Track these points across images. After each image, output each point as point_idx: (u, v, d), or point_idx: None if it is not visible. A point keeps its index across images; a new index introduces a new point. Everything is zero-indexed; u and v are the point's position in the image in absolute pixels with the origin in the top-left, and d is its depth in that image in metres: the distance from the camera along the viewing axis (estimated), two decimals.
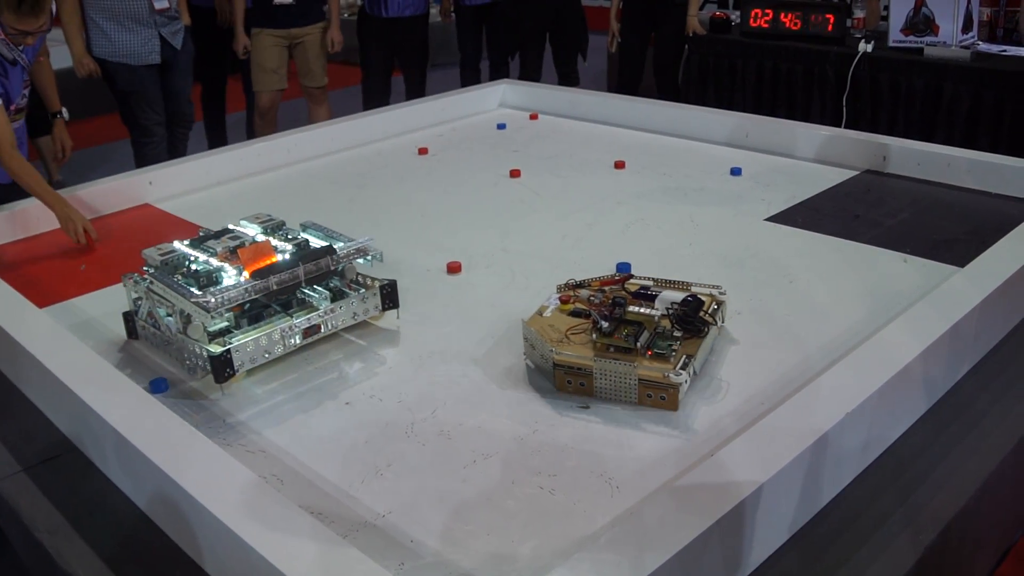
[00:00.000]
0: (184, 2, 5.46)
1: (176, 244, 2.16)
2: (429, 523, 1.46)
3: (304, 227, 2.29)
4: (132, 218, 2.97)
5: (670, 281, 2.04)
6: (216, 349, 1.83)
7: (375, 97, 6.29)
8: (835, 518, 1.50)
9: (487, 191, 3.04)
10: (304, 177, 3.29)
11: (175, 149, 5.40)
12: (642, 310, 1.89)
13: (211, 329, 1.88)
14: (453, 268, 2.42)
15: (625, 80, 6.48)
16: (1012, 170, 2.81)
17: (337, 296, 2.07)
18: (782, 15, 5.89)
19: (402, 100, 5.21)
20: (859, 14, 5.94)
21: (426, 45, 6.50)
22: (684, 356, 1.79)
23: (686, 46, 6.29)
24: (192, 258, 2.11)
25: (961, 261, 2.22)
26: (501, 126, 3.80)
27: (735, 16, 6.37)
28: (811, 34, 5.77)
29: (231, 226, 2.29)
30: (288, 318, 1.97)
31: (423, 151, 3.49)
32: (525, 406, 1.77)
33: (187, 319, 1.89)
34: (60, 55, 6.23)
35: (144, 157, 5.22)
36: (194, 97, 5.65)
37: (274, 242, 2.12)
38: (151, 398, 1.68)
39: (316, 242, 2.17)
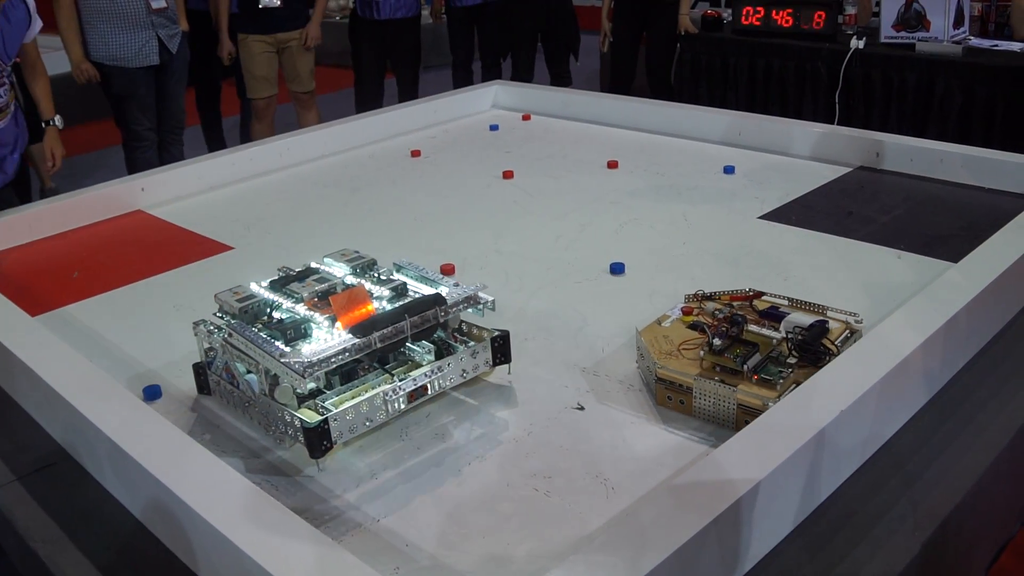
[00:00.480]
0: (183, 8, 5.46)
1: (254, 287, 1.89)
2: (424, 526, 1.45)
3: (397, 267, 1.99)
4: (124, 225, 2.96)
5: (805, 303, 1.91)
6: (311, 418, 1.57)
7: (368, 99, 6.29)
8: (833, 514, 1.50)
9: (480, 193, 3.04)
10: (297, 181, 3.28)
11: (168, 154, 5.40)
12: (762, 331, 1.76)
13: (300, 391, 1.66)
14: (447, 270, 2.41)
15: (617, 80, 6.49)
16: (1005, 165, 2.81)
17: (442, 350, 1.81)
18: (774, 12, 5.90)
19: (394, 102, 5.21)
20: (850, 11, 5.96)
21: (418, 47, 6.50)
22: (793, 384, 1.66)
23: (678, 45, 6.30)
24: (274, 304, 1.83)
25: (955, 256, 2.21)
26: (494, 127, 3.80)
27: (727, 14, 6.37)
28: (803, 31, 5.78)
29: (314, 264, 2.00)
30: (388, 376, 1.74)
31: (416, 153, 3.48)
32: (520, 408, 1.77)
33: (274, 379, 1.65)
34: (58, 60, 6.24)
35: (135, 161, 5.23)
36: (190, 100, 5.65)
37: (367, 285, 1.86)
38: (145, 406, 1.67)
39: (414, 285, 1.89)
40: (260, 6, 5.68)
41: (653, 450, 1.62)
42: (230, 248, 2.67)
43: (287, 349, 1.64)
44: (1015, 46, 5.20)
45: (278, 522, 1.32)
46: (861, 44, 5.44)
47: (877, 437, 1.65)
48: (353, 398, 1.65)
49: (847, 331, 1.83)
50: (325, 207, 2.99)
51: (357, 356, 1.66)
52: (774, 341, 1.75)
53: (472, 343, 1.80)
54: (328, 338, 1.68)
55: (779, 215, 2.68)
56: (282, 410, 1.62)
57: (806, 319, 1.82)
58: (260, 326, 1.75)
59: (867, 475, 1.59)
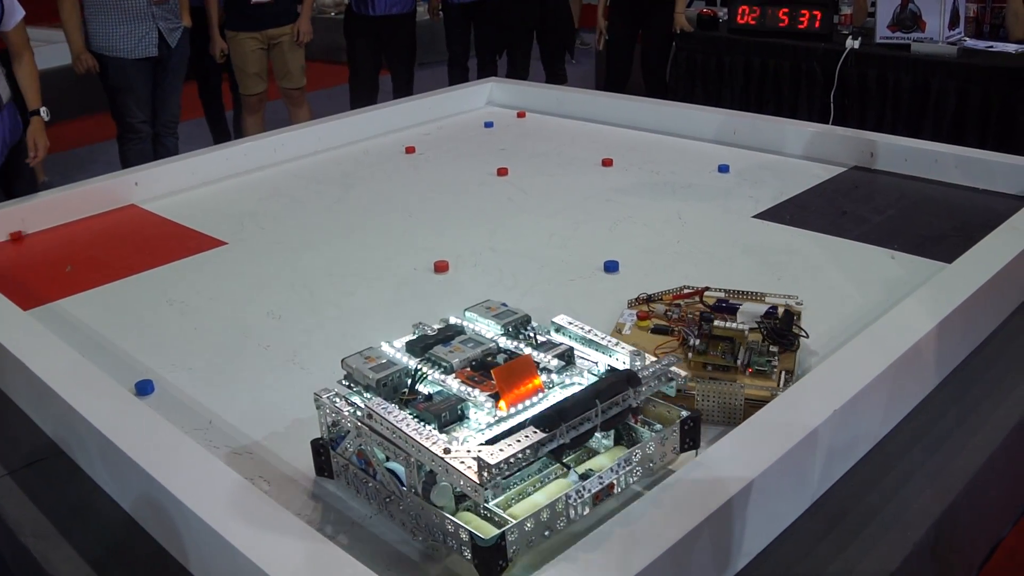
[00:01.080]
0: (186, 4, 5.46)
1: (388, 349, 1.57)
2: None
3: (557, 327, 1.66)
4: (118, 219, 2.96)
5: (743, 292, 1.96)
6: (486, 532, 1.27)
7: (362, 96, 6.28)
8: (826, 513, 1.50)
9: (474, 190, 3.04)
10: (291, 177, 3.28)
11: (163, 148, 5.39)
12: (729, 324, 1.77)
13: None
14: (440, 267, 2.41)
15: (613, 78, 6.48)
16: (999, 166, 2.81)
17: (622, 433, 1.52)
18: (769, 12, 5.89)
19: (389, 99, 5.20)
20: (846, 10, 5.96)
21: (413, 43, 6.49)
22: (783, 372, 1.71)
23: (674, 43, 6.29)
24: (418, 374, 1.49)
25: (949, 257, 2.22)
26: (488, 124, 3.79)
27: (723, 13, 6.37)
28: (799, 31, 5.78)
29: (455, 320, 1.66)
30: (564, 471, 1.42)
31: (410, 150, 3.48)
32: None
33: (430, 476, 1.34)
34: (55, 53, 6.24)
35: (128, 154, 5.23)
36: (190, 94, 5.64)
37: (526, 350, 1.55)
38: (137, 400, 1.67)
39: (581, 350, 1.57)
40: (252, 2, 5.67)
41: None
42: (224, 243, 2.67)
43: (443, 436, 1.33)
44: (1010, 47, 5.21)
45: (270, 518, 1.32)
46: (856, 44, 5.44)
47: (870, 437, 1.66)
48: (521, 496, 1.35)
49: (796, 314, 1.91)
50: (319, 203, 2.99)
51: (542, 457, 1.34)
52: (745, 333, 1.77)
53: (659, 426, 1.49)
54: (489, 420, 1.38)
55: (773, 214, 2.68)
56: (441, 516, 1.31)
57: (758, 308, 1.86)
58: (400, 402, 1.44)
59: (860, 475, 1.59)
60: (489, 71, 6.63)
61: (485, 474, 1.24)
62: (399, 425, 1.35)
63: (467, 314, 1.67)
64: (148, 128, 5.29)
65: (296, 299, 2.29)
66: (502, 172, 3.15)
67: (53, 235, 2.84)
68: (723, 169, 3.07)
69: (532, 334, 1.61)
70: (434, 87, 4.26)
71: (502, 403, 1.38)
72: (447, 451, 1.29)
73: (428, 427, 1.35)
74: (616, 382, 1.42)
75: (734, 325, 1.78)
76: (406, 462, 1.35)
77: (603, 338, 1.58)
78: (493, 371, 1.40)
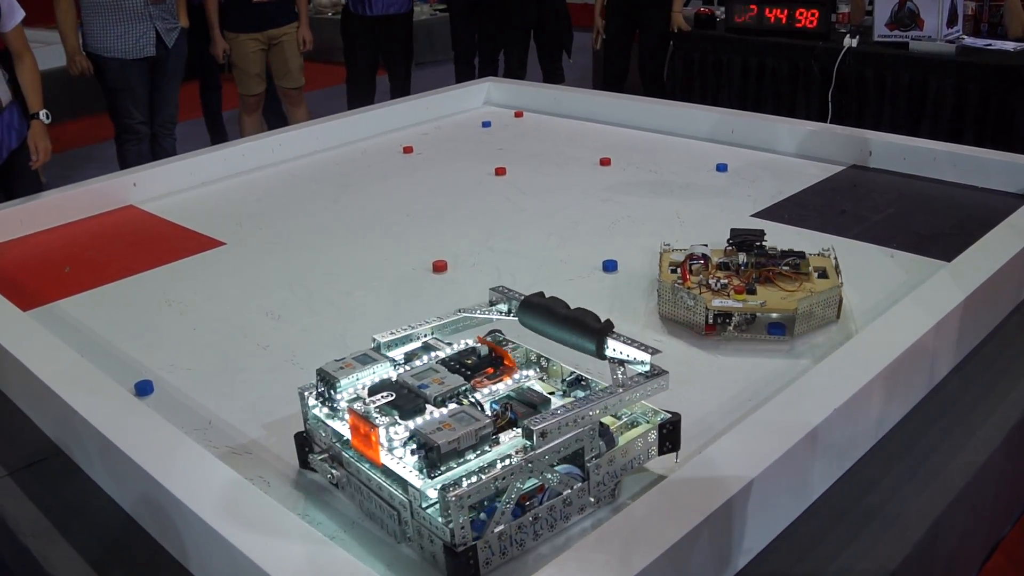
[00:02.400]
0: (183, 4, 5.46)
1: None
2: None
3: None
4: (116, 220, 2.96)
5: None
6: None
7: (360, 96, 6.28)
8: (825, 513, 1.50)
9: (472, 189, 3.04)
10: (289, 177, 3.28)
11: (160, 148, 5.40)
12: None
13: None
14: (439, 267, 2.41)
15: (610, 77, 6.48)
16: (997, 164, 2.81)
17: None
18: (767, 11, 5.90)
19: (386, 99, 5.20)
20: (844, 9, 5.96)
21: (411, 43, 6.50)
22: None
23: (671, 42, 6.29)
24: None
25: (947, 256, 2.22)
26: (486, 124, 3.79)
27: (720, 12, 6.37)
28: (796, 29, 5.78)
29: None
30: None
31: (408, 150, 3.48)
32: None
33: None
34: (51, 54, 6.24)
35: (125, 154, 5.24)
36: (189, 94, 5.65)
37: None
38: (136, 400, 1.67)
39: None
40: (253, 1, 5.67)
41: None
42: (222, 243, 2.67)
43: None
44: (1008, 45, 5.21)
45: (269, 518, 1.32)
46: (854, 42, 5.44)
47: (869, 436, 1.66)
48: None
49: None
50: (317, 203, 2.99)
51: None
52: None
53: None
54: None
55: (771, 213, 2.68)
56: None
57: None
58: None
59: (859, 474, 1.59)
60: (491, 69, 6.63)
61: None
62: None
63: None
64: (146, 128, 5.30)
65: (294, 299, 2.29)
66: (500, 172, 3.15)
67: (52, 236, 2.84)
68: (721, 168, 3.07)
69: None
70: (431, 87, 4.26)
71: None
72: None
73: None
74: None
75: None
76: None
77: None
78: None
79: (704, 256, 2.13)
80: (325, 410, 1.53)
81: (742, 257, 2.12)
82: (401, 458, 1.37)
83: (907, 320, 1.80)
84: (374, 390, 1.49)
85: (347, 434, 1.45)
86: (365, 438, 1.39)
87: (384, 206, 2.92)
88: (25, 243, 2.80)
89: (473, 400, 1.46)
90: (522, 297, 1.68)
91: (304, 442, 1.57)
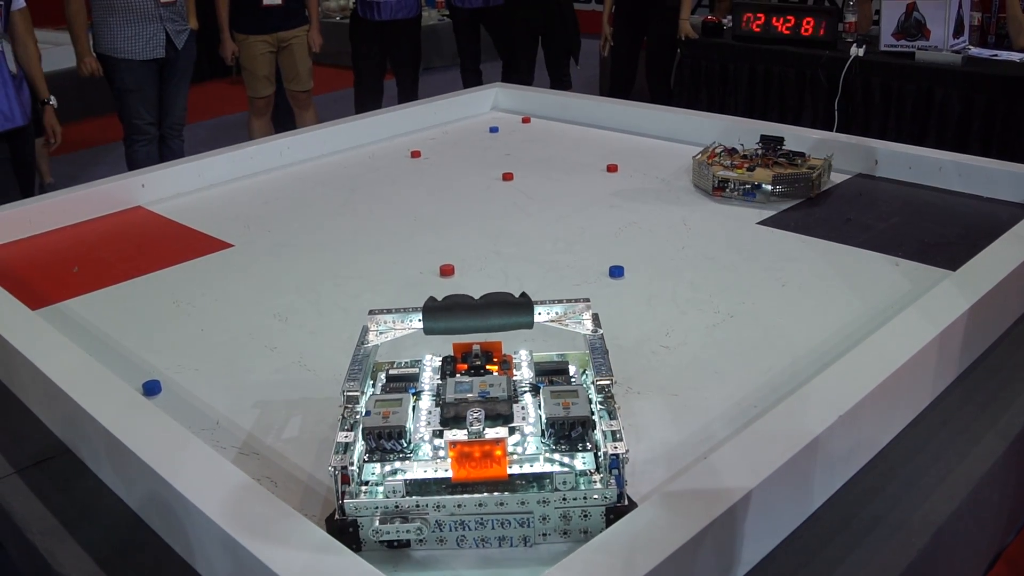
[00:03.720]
0: (193, 7, 5.49)
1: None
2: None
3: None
4: (124, 221, 2.97)
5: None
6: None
7: (367, 100, 6.31)
8: (827, 522, 1.51)
9: (480, 194, 3.05)
10: (296, 180, 3.29)
11: (169, 150, 5.43)
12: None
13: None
14: (446, 271, 2.42)
15: (617, 84, 6.50)
16: (1003, 174, 2.82)
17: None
18: (774, 19, 5.91)
19: (394, 103, 5.22)
20: (851, 18, 5.98)
21: (418, 48, 6.53)
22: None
23: (678, 50, 6.31)
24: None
25: (953, 265, 2.23)
26: (494, 130, 3.80)
27: (727, 20, 6.39)
28: (803, 38, 5.79)
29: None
30: None
31: (416, 154, 3.49)
32: None
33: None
34: (60, 56, 6.27)
35: (134, 155, 5.26)
36: (199, 96, 5.68)
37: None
38: (144, 400, 1.68)
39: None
40: (263, 4, 5.69)
41: (651, 452, 1.63)
42: (230, 245, 2.68)
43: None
44: (1015, 56, 5.22)
45: (277, 518, 1.32)
46: (861, 52, 5.46)
47: (872, 444, 1.66)
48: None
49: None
50: (325, 206, 3.00)
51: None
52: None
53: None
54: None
55: (777, 221, 2.69)
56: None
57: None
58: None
59: (862, 482, 1.60)
60: (511, 70, 6.62)
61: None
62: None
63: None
64: (155, 130, 5.32)
65: (302, 301, 2.30)
66: (507, 177, 3.16)
67: (60, 236, 2.85)
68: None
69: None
70: (438, 92, 4.27)
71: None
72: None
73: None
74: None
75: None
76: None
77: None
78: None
79: (732, 149, 3.04)
80: (388, 467, 1.40)
81: (756, 149, 3.02)
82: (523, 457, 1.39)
83: (911, 329, 1.80)
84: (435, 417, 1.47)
85: (436, 473, 1.38)
86: (484, 458, 1.36)
87: (391, 210, 2.93)
88: (34, 243, 2.82)
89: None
90: (420, 307, 1.63)
91: (342, 526, 1.38)
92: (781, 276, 2.33)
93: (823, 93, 5.64)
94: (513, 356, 1.64)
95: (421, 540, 1.39)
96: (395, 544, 1.40)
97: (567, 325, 1.64)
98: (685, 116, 3.64)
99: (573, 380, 1.58)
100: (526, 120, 3.93)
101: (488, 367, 1.59)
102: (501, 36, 6.81)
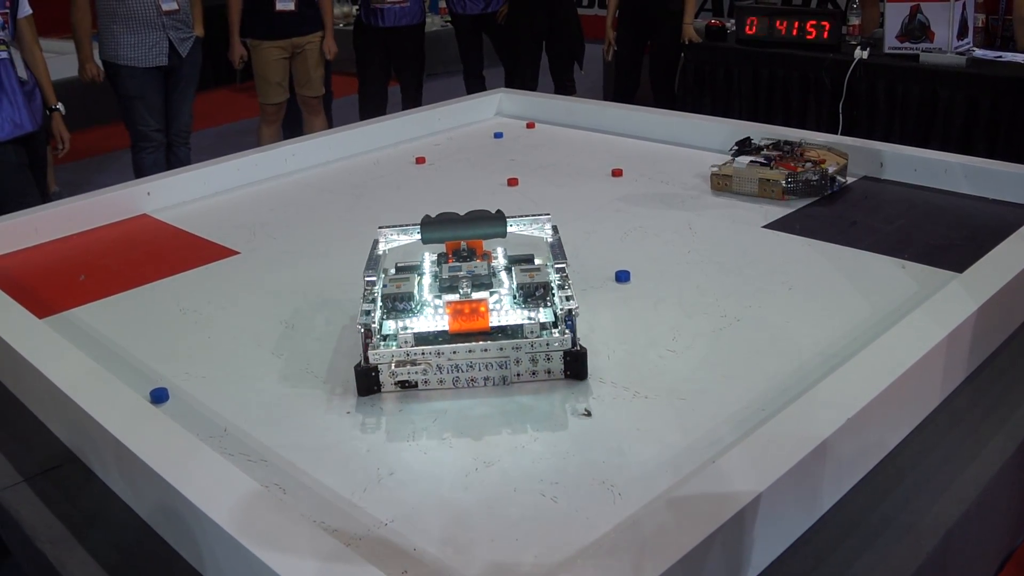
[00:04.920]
0: (200, 14, 5.50)
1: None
2: (432, 531, 1.46)
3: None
4: (130, 229, 2.97)
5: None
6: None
7: (372, 106, 6.32)
8: (836, 525, 1.50)
9: (485, 200, 3.03)
10: (302, 187, 3.29)
11: (175, 157, 5.44)
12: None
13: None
14: None
15: (621, 89, 6.50)
16: (1008, 176, 2.82)
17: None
18: (777, 23, 5.91)
19: (398, 109, 5.22)
20: (854, 21, 5.97)
21: (422, 54, 6.53)
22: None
23: (682, 54, 6.31)
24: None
25: (959, 267, 2.22)
26: (498, 135, 3.81)
27: (730, 24, 6.38)
28: (807, 41, 5.79)
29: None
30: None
31: (420, 160, 3.49)
32: (526, 414, 1.78)
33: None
34: (64, 64, 6.29)
35: (141, 162, 5.27)
36: (204, 103, 5.70)
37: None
38: (152, 408, 1.68)
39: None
40: (276, 9, 5.70)
41: (659, 456, 1.63)
42: (236, 253, 2.68)
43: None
44: (1019, 58, 5.22)
45: (286, 524, 1.32)
46: (865, 54, 5.45)
47: (879, 448, 1.66)
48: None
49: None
50: (330, 212, 3.00)
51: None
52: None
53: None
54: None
55: (783, 224, 2.69)
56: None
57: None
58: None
59: (870, 485, 1.60)
60: (515, 77, 6.62)
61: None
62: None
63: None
64: (162, 136, 5.33)
65: (308, 308, 2.30)
66: (512, 182, 3.17)
67: (66, 244, 2.86)
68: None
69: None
70: (442, 98, 4.28)
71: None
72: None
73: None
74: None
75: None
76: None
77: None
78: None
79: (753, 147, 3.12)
80: (401, 321, 1.85)
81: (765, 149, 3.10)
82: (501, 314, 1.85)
83: (919, 331, 1.80)
84: (436, 288, 1.93)
85: (436, 327, 1.84)
86: (472, 314, 1.83)
87: (397, 216, 2.91)
88: (41, 251, 2.82)
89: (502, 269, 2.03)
90: (419, 222, 2.09)
91: (366, 371, 1.84)
92: (787, 279, 2.33)
93: (827, 96, 5.64)
94: (492, 252, 2.08)
95: (426, 381, 1.85)
96: (406, 384, 1.86)
97: (532, 232, 2.13)
98: (689, 120, 3.65)
99: (537, 263, 2.03)
100: (531, 125, 3.93)
101: (473, 258, 2.01)
102: (502, 42, 6.82)
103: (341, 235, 2.79)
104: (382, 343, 1.85)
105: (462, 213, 2.08)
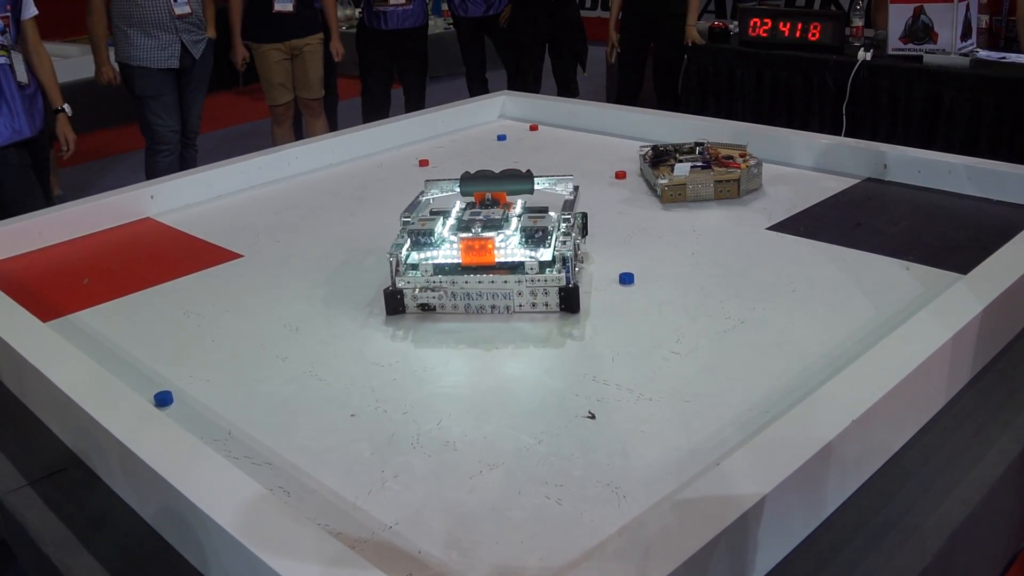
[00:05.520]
0: (212, 17, 5.52)
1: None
2: (436, 533, 1.46)
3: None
4: (134, 232, 2.98)
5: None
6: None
7: (374, 109, 6.32)
8: (841, 527, 1.50)
9: None
10: (305, 190, 3.29)
11: (182, 159, 5.46)
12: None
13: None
14: None
15: (624, 91, 6.50)
16: (1012, 177, 2.81)
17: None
18: (780, 24, 5.91)
19: (401, 112, 5.23)
20: (857, 22, 5.96)
21: (425, 57, 6.54)
22: None
23: (685, 56, 6.31)
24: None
25: (963, 268, 2.22)
26: (501, 137, 3.81)
27: (734, 26, 6.38)
28: (810, 43, 5.79)
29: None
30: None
31: (424, 163, 3.49)
32: (530, 416, 1.78)
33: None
34: (76, 66, 6.31)
35: (156, 167, 5.28)
36: (212, 105, 5.71)
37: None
38: (156, 411, 1.68)
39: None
40: (274, 10, 5.72)
41: (664, 458, 1.63)
42: (240, 256, 2.69)
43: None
44: (1023, 58, 5.21)
45: (291, 528, 1.32)
46: (868, 56, 5.45)
47: (884, 450, 1.66)
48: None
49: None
50: (334, 215, 3.00)
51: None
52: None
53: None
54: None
55: (787, 226, 2.69)
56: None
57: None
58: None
59: (875, 487, 1.59)
60: (518, 80, 6.62)
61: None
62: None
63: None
64: (177, 138, 5.36)
65: (312, 311, 2.30)
66: None
67: (70, 248, 2.86)
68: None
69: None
70: (445, 100, 4.28)
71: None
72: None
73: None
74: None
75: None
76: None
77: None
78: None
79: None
80: (424, 254, 2.19)
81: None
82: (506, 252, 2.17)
83: (923, 333, 1.80)
84: (455, 228, 2.24)
85: (452, 260, 2.17)
86: (480, 249, 2.15)
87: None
88: (44, 255, 2.82)
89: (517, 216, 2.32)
90: (457, 178, 2.47)
91: (393, 293, 2.19)
92: (791, 281, 2.33)
93: (830, 98, 5.64)
94: (512, 202, 2.39)
95: (442, 306, 2.19)
96: (426, 307, 2.20)
97: (556, 190, 2.48)
98: (693, 122, 3.64)
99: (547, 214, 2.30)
100: (534, 128, 3.93)
101: (495, 206, 2.31)
102: (504, 44, 6.83)
103: (345, 238, 2.79)
104: (408, 271, 2.17)
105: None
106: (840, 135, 4.91)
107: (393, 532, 1.47)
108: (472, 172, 2.44)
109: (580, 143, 3.70)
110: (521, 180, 2.40)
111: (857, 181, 3.06)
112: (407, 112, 5.44)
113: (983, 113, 5.08)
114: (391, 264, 2.17)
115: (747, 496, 1.35)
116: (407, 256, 2.20)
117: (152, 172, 5.27)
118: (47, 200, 4.05)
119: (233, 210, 3.13)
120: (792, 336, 2.05)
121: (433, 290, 2.17)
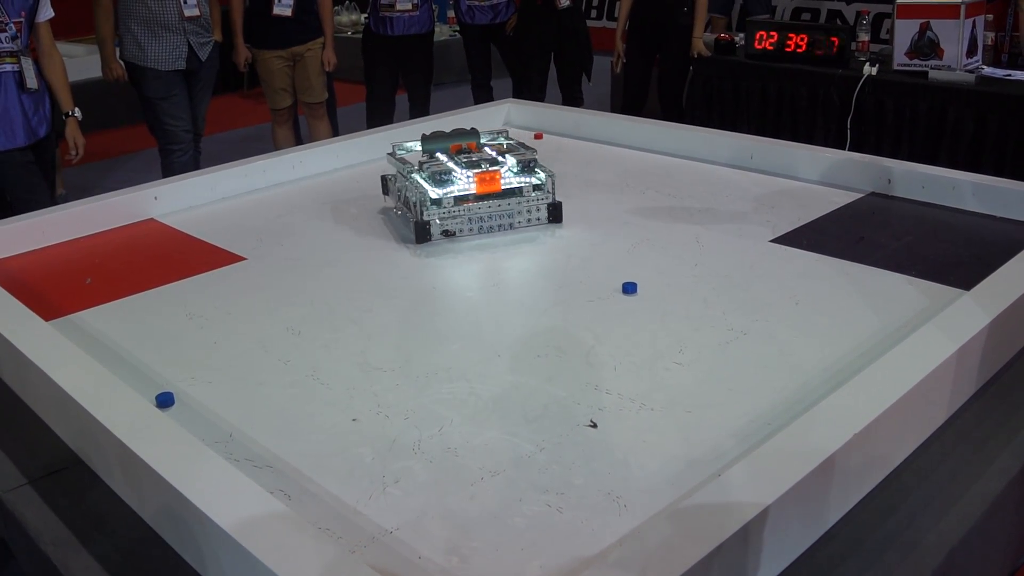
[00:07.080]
0: (218, 19, 5.54)
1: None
2: (437, 540, 1.46)
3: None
4: (137, 233, 2.98)
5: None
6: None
7: (379, 115, 6.32)
8: (840, 541, 1.50)
9: None
10: (309, 194, 3.30)
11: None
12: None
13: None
14: None
15: (630, 101, 6.50)
16: (1016, 194, 2.81)
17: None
18: (787, 38, 5.91)
19: (406, 118, 5.23)
20: (863, 37, 5.97)
21: (430, 63, 6.54)
22: None
23: (691, 68, 6.31)
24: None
25: (967, 284, 2.22)
26: None
27: (740, 38, 6.39)
28: (816, 57, 5.79)
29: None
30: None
31: None
32: (531, 424, 1.78)
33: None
34: (83, 66, 6.31)
35: (171, 167, 5.28)
36: (217, 108, 5.72)
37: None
38: (157, 412, 1.68)
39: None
40: (273, 14, 5.73)
41: (665, 468, 1.63)
42: (243, 259, 2.69)
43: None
44: None
45: (291, 531, 1.32)
46: (874, 71, 5.45)
47: (886, 463, 1.66)
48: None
49: None
50: (338, 219, 3.00)
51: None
52: None
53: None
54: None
55: (791, 239, 2.69)
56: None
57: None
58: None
59: (876, 501, 1.59)
60: (523, 88, 6.62)
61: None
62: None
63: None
64: (190, 137, 5.36)
65: (315, 314, 2.30)
66: None
67: (73, 248, 2.87)
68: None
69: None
70: (449, 107, 4.28)
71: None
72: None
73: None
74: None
75: None
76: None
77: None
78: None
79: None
80: (444, 189, 2.69)
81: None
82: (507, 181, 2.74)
83: (926, 348, 1.80)
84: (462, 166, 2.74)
85: (467, 191, 2.70)
86: (491, 180, 2.70)
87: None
88: (47, 254, 2.83)
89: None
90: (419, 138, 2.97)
91: (422, 224, 2.68)
92: (794, 294, 2.33)
93: (835, 112, 5.64)
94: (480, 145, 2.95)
95: (461, 230, 2.71)
96: (447, 233, 2.71)
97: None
98: (697, 133, 3.64)
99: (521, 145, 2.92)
100: (538, 136, 3.94)
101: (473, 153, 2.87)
102: (510, 52, 6.83)
103: (347, 242, 2.79)
104: (431, 206, 2.67)
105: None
106: (845, 149, 4.91)
107: (393, 537, 1.47)
108: (428, 134, 2.97)
109: (584, 152, 3.70)
110: (469, 135, 2.96)
111: (861, 195, 3.06)
112: (412, 118, 5.45)
113: (988, 130, 5.08)
114: (419, 202, 2.68)
115: (747, 508, 1.35)
116: (428, 191, 2.68)
117: (170, 172, 5.28)
118: (51, 201, 4.05)
119: (237, 213, 3.13)
120: (794, 349, 2.05)
121: (454, 217, 2.68)
